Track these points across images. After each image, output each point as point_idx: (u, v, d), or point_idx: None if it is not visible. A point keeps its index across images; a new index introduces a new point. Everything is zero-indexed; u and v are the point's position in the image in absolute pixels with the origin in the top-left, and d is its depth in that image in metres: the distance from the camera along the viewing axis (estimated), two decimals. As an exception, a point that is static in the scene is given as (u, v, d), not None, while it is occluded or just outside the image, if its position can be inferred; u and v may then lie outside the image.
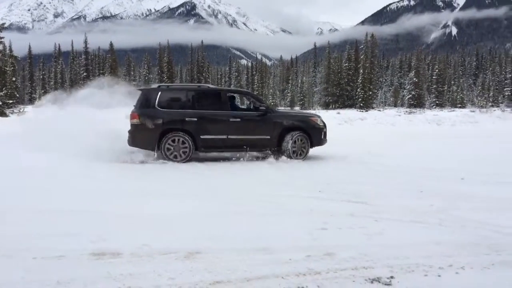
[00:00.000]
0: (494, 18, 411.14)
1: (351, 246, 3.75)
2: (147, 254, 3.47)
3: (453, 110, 42.96)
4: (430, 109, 62.42)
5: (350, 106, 64.53)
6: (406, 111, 37.99)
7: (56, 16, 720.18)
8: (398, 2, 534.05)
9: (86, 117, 9.41)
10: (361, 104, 62.38)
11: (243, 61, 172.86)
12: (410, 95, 69.57)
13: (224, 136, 9.08)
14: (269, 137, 9.35)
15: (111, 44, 76.86)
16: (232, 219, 4.67)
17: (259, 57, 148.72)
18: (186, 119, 8.86)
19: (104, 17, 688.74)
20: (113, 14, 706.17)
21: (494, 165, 8.84)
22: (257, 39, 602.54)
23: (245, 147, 9.24)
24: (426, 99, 73.31)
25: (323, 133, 9.78)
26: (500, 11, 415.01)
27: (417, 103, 66.65)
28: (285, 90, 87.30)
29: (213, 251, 3.56)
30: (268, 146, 9.46)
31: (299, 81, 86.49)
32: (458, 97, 77.24)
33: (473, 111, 32.69)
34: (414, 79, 70.73)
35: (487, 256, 3.56)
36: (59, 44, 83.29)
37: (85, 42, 75.07)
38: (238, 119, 9.21)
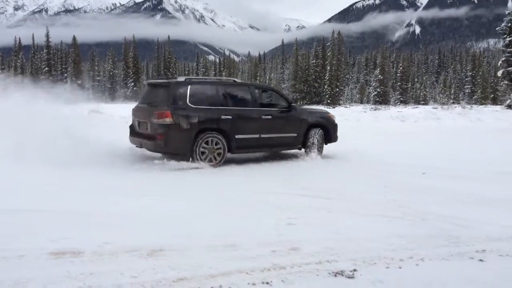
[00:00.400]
0: (456, 18, 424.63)
1: (316, 240, 3.79)
2: (109, 252, 3.39)
3: (417, 107, 44.06)
4: (395, 106, 63.83)
5: (318, 102, 65.22)
6: (372, 108, 38.75)
7: (16, 9, 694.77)
8: (363, 0, 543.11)
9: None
10: (328, 101, 63.16)
11: (211, 57, 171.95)
12: (376, 92, 70.93)
13: (257, 135, 8.44)
14: (296, 135, 9.01)
15: (74, 38, 74.86)
16: (199, 217, 4.63)
17: (227, 53, 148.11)
18: (222, 117, 8.00)
19: (67, 11, 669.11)
20: (76, 7, 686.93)
21: (453, 160, 9.13)
22: (225, 35, 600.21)
23: (275, 146, 8.94)
24: (391, 96, 74.97)
25: (337, 130, 9.77)
26: (461, 11, 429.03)
27: (382, 100, 68.03)
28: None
29: (178, 248, 3.53)
30: (295, 144, 9.13)
31: (267, 77, 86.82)
32: (421, 94, 79.46)
33: (435, 108, 33.61)
34: (380, 76, 72.15)
35: (446, 248, 3.68)
36: (19, 38, 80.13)
37: (47, 36, 72.56)
38: (270, 117, 8.59)
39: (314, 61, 71.88)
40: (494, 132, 16.00)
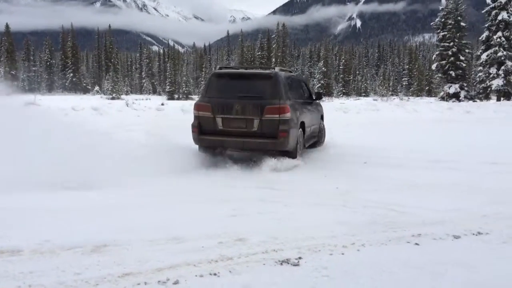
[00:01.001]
0: (394, 12, 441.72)
1: (262, 230, 3.85)
2: (49, 250, 3.28)
3: (358, 99, 45.59)
4: (338, 98, 65.74)
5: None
6: (316, 99, 39.61)
7: None
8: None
9: None
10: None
11: (155, 48, 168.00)
12: (320, 84, 72.55)
13: (311, 129, 8.22)
14: (318, 126, 8.91)
15: (7, 26, 70.52)
16: (142, 210, 4.56)
17: (171, 43, 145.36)
18: (304, 110, 7.62)
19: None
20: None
21: (392, 150, 9.53)
22: (169, 25, 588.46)
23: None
24: (334, 88, 77.02)
25: None
26: (398, 6, 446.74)
27: (326, 91, 69.76)
28: (199, 78, 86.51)
29: (122, 243, 3.46)
30: (317, 137, 9.02)
31: (213, 69, 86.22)
32: (363, 86, 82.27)
33: (376, 100, 34.95)
34: (323, 68, 73.84)
35: (385, 233, 3.86)
36: None
37: (-24, 22, 67.86)
38: (310, 108, 8.33)
39: (259, 53, 72.33)
40: (429, 123, 16.85)
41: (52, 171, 5.37)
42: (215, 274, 2.95)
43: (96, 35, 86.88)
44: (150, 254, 3.26)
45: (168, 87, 72.59)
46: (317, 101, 9.11)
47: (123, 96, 62.05)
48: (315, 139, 9.06)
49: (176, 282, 2.81)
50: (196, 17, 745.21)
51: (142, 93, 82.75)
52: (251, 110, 6.70)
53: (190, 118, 7.60)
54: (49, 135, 6.37)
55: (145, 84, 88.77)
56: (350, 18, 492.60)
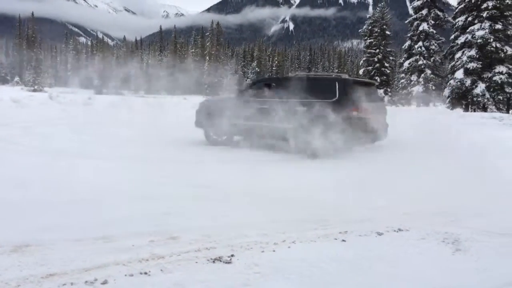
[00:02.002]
0: (325, 18, 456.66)
1: (194, 229, 3.83)
2: (-37, 252, 3.04)
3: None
4: (270, 98, 66.61)
5: (197, 92, 65.18)
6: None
7: None
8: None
9: None
10: (207, 91, 63.48)
11: (82, 39, 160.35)
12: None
13: None
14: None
15: None
16: (68, 207, 4.35)
17: (100, 35, 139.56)
18: None
19: None
20: None
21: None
22: (98, 17, 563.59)
23: None
24: (266, 88, 78.05)
25: None
26: (329, 12, 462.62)
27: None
28: (130, 73, 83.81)
29: (46, 242, 3.29)
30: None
31: (144, 64, 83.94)
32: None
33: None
34: (257, 69, 74.70)
35: (315, 231, 3.99)
36: None
37: None
38: None
39: (193, 50, 71.53)
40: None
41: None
42: (145, 273, 2.89)
43: (18, 23, 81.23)
44: (75, 254, 3.12)
45: (96, 80, 69.55)
46: None
47: (46, 89, 58.60)
48: None
49: (104, 282, 2.73)
50: (127, 10, 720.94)
51: (67, 86, 78.60)
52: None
53: (121, 114, 7.38)
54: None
55: (70, 77, 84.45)
56: (284, 21, 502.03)
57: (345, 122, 7.96)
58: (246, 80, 72.69)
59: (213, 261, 3.17)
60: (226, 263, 3.16)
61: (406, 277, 3.07)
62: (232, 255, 3.29)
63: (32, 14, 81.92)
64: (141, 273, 2.89)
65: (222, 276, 2.95)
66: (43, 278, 2.73)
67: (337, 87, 8.54)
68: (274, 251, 3.45)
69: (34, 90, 53.11)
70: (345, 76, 9.09)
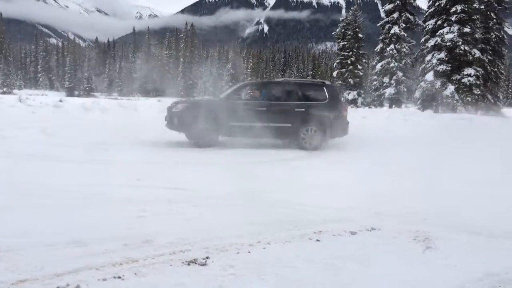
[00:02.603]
0: (299, 20, 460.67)
1: (169, 231, 3.80)
2: None
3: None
4: (245, 100, 66.65)
5: (172, 94, 64.65)
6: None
7: None
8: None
9: None
10: (182, 93, 63.10)
11: (53, 40, 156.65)
12: (228, 86, 73.14)
13: None
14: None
15: None
16: (39, 211, 4.25)
17: (71, 36, 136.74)
18: None
19: None
20: None
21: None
22: (69, 17, 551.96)
23: None
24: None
25: None
26: (303, 14, 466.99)
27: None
28: (103, 75, 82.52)
29: (16, 248, 3.21)
30: None
31: (117, 66, 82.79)
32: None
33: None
34: (231, 70, 74.59)
35: (290, 231, 4.02)
36: None
37: None
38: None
39: (167, 51, 70.99)
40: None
41: None
42: (119, 277, 2.86)
43: (-15, 23, 78.85)
44: (47, 259, 3.06)
45: (67, 82, 68.27)
46: None
47: (15, 91, 57.11)
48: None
49: (77, 287, 2.68)
50: (100, 11, 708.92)
51: (37, 88, 76.81)
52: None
53: (92, 116, 7.25)
54: None
55: (41, 79, 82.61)
56: (258, 23, 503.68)
57: (338, 120, 10.10)
58: (224, 82, 72.51)
59: (188, 264, 3.16)
60: (201, 265, 3.15)
61: (378, 275, 3.12)
62: (207, 257, 3.29)
63: (0, 14, 79.71)
64: (114, 277, 2.85)
65: (197, 278, 2.94)
66: (13, 285, 2.67)
67: (326, 91, 10.15)
68: (249, 252, 3.46)
69: (3, 92, 51.67)
70: (328, 81, 10.83)
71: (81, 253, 3.20)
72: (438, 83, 27.58)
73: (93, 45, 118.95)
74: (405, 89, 35.83)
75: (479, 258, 3.56)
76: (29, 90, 65.30)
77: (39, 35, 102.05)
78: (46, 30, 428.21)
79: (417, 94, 29.84)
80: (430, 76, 27.93)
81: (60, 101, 27.77)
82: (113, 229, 3.79)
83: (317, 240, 3.81)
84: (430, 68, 28.16)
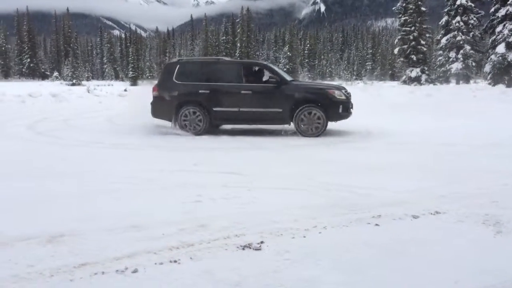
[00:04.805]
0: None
1: (224, 216, 3.81)
2: (1, 242, 3.13)
3: (323, 83, 45.99)
4: (303, 82, 66.05)
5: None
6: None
7: None
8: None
9: None
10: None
11: (116, 32, 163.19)
12: (285, 69, 72.73)
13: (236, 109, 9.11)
14: (280, 110, 8.99)
15: (-44, 9, 66.76)
16: (102, 197, 4.43)
17: (133, 28, 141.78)
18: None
19: None
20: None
21: (352, 133, 9.68)
22: (130, 9, 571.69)
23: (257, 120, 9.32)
24: (299, 72, 77.38)
25: (339, 106, 8.98)
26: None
27: (292, 76, 69.99)
28: (163, 63, 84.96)
29: (80, 233, 3.35)
30: (279, 120, 9.15)
31: (177, 54, 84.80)
32: (327, 70, 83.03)
33: (341, 84, 35.38)
34: (288, 53, 73.97)
35: (346, 215, 3.90)
36: None
37: None
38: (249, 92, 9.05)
39: (224, 37, 71.64)
40: (394, 106, 17.10)
41: None
42: (175, 261, 2.90)
43: (54, 19, 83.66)
44: (108, 243, 3.17)
45: (131, 72, 70.86)
46: (285, 85, 9.08)
47: (84, 82, 60.26)
48: (275, 121, 9.27)
49: (135, 271, 2.75)
50: (159, 1, 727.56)
51: (104, 79, 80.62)
52: None
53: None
54: None
55: (106, 70, 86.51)
56: (314, 3, 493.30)
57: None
58: (282, 65, 72.05)
59: (243, 248, 3.15)
60: (255, 249, 3.13)
61: (442, 260, 2.94)
62: (262, 242, 3.25)
63: (67, 10, 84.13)
64: (170, 261, 2.89)
65: (251, 263, 2.91)
66: (75, 268, 2.78)
67: None
68: (304, 237, 3.39)
69: (73, 84, 54.70)
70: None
71: (139, 238, 3.29)
72: (510, 56, 25.65)
73: (153, 35, 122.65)
74: (473, 64, 33.75)
75: (558, 244, 3.25)
76: (97, 81, 68.65)
77: (103, 27, 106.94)
78: (110, 23, 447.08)
79: (487, 68, 28.02)
80: (501, 48, 26.06)
81: (125, 90, 28.93)
82: (170, 213, 3.86)
83: (376, 225, 3.65)
84: (501, 39, 26.25)
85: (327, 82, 35.29)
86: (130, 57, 74.57)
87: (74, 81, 60.57)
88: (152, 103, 9.20)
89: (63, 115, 13.54)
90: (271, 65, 10.12)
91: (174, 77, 9.05)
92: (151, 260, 2.91)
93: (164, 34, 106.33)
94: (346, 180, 5.26)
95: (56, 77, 69.95)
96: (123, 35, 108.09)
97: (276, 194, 4.63)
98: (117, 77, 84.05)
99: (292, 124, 9.12)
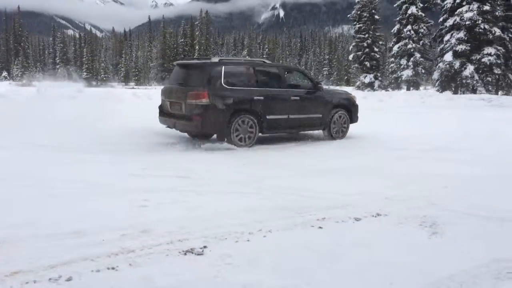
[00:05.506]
0: (315, 3, 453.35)
1: (169, 220, 3.76)
2: None
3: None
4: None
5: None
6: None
7: None
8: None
9: None
10: (197, 81, 63.23)
11: (70, 32, 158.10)
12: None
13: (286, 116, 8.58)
14: (321, 115, 9.05)
15: None
16: (43, 202, 4.25)
17: (88, 27, 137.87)
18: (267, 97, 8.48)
19: None
20: None
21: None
22: (86, 8, 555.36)
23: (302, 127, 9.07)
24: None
25: (358, 110, 9.83)
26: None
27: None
28: (119, 65, 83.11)
29: (14, 239, 3.21)
30: (320, 125, 9.17)
31: (134, 55, 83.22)
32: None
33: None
34: (247, 57, 74.15)
35: (292, 218, 3.94)
36: None
37: None
38: (291, 97, 8.65)
39: (182, 40, 71.03)
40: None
41: None
42: (113, 268, 2.82)
43: (4, 17, 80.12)
44: (44, 250, 3.05)
45: (85, 73, 69.00)
46: (323, 91, 9.30)
47: (34, 83, 57.96)
48: (316, 127, 9.28)
49: (69, 279, 2.66)
50: (115, 1, 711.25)
51: (56, 80, 77.79)
52: (180, 96, 7.84)
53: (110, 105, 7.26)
54: None
55: (59, 70, 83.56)
56: (274, 8, 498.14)
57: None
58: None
59: (185, 253, 3.11)
60: (198, 254, 3.10)
61: (379, 262, 3.02)
62: (205, 246, 3.23)
63: (18, 7, 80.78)
64: (108, 268, 2.82)
65: (192, 268, 2.89)
66: (6, 276, 2.66)
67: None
68: (248, 240, 3.40)
69: (23, 85, 52.48)
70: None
71: (78, 244, 3.18)
72: (457, 64, 26.92)
73: (109, 36, 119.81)
74: (423, 71, 35.14)
75: (488, 243, 3.42)
76: (49, 82, 66.19)
77: (57, 27, 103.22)
78: (64, 22, 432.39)
79: (436, 75, 29.23)
80: (448, 56, 27.28)
81: (78, 91, 28.03)
82: (113, 219, 3.76)
83: (320, 227, 3.72)
84: (448, 48, 27.49)
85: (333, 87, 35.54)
86: (85, 57, 72.57)
87: (24, 81, 58.18)
88: (199, 115, 7.45)
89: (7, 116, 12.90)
90: (304, 70, 10.47)
91: (222, 81, 7.68)
92: (87, 267, 2.82)
93: (121, 35, 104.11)
94: (296, 183, 5.33)
95: (5, 77, 66.94)
96: (77, 35, 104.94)
97: (225, 198, 4.62)
98: (70, 78, 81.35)
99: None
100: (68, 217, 3.78)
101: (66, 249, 3.08)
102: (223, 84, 7.68)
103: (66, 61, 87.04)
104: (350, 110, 9.60)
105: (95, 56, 79.56)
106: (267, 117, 8.11)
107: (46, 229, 3.44)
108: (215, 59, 8.02)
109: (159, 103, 8.82)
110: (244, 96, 7.89)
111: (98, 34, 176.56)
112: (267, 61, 9.33)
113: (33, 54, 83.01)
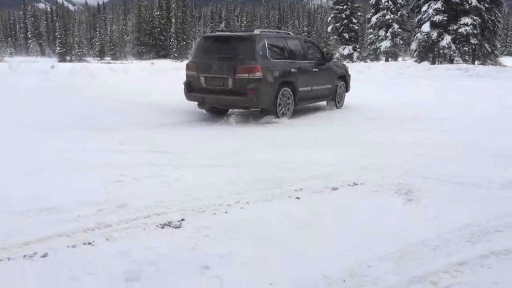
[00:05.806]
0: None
1: (146, 195, 3.73)
2: None
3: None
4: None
5: (165, 56, 63.68)
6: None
7: None
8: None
9: None
10: (176, 54, 62.12)
11: (41, 5, 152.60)
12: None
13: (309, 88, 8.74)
14: (331, 86, 9.38)
15: None
16: (15, 180, 4.16)
17: (60, 1, 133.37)
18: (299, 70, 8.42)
19: None
20: None
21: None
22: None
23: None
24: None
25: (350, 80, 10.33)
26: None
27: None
28: (93, 39, 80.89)
29: (-15, 218, 3.14)
30: (329, 96, 9.52)
31: (108, 29, 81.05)
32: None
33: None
34: (225, 29, 73.12)
35: (270, 190, 3.95)
36: None
37: None
38: (314, 69, 8.88)
39: (158, 13, 69.42)
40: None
41: None
42: (89, 243, 2.80)
43: (-31, -10, 76.68)
44: (17, 227, 2.99)
45: (58, 48, 67.04)
46: (330, 62, 9.57)
47: (6, 58, 56.15)
48: (326, 98, 9.52)
49: (44, 255, 2.62)
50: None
51: (28, 55, 75.54)
52: (226, 70, 7.45)
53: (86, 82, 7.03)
54: None
55: (31, 45, 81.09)
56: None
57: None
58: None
59: (162, 227, 3.10)
60: (175, 227, 3.10)
61: (355, 230, 3.07)
62: (183, 219, 3.23)
63: (-16, -21, 77.35)
64: (84, 244, 2.79)
65: (169, 241, 2.88)
66: (-22, 255, 2.61)
67: (197, 44, 9.07)
68: (226, 212, 3.40)
69: (-7, 61, 50.77)
70: None
71: (53, 221, 3.13)
72: (434, 34, 27.06)
73: (83, 9, 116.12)
74: (401, 42, 35.25)
75: (460, 209, 3.50)
76: (21, 57, 64.24)
77: (27, 0, 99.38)
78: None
79: (414, 46, 29.38)
80: (426, 27, 27.37)
81: (52, 67, 27.28)
82: (89, 195, 3.70)
83: (297, 198, 3.74)
84: (426, 18, 27.55)
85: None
86: (57, 31, 70.36)
87: (-6, 57, 56.25)
88: (253, 89, 7.29)
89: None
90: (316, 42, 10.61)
91: (267, 54, 7.59)
92: (63, 243, 2.79)
93: (94, 9, 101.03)
94: (276, 155, 5.35)
95: (-26, 53, 64.62)
96: (49, 9, 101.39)
97: (203, 171, 4.60)
98: (43, 54, 79.13)
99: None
100: (42, 193, 3.71)
101: (40, 226, 3.03)
102: (269, 57, 7.63)
103: (39, 36, 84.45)
104: (346, 80, 10.09)
105: (68, 31, 77.14)
106: (300, 89, 8.20)
107: (19, 206, 3.37)
108: (257, 31, 7.90)
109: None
110: (285, 69, 7.89)
111: (71, 7, 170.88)
112: (291, 33, 9.46)
113: (3, 29, 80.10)
